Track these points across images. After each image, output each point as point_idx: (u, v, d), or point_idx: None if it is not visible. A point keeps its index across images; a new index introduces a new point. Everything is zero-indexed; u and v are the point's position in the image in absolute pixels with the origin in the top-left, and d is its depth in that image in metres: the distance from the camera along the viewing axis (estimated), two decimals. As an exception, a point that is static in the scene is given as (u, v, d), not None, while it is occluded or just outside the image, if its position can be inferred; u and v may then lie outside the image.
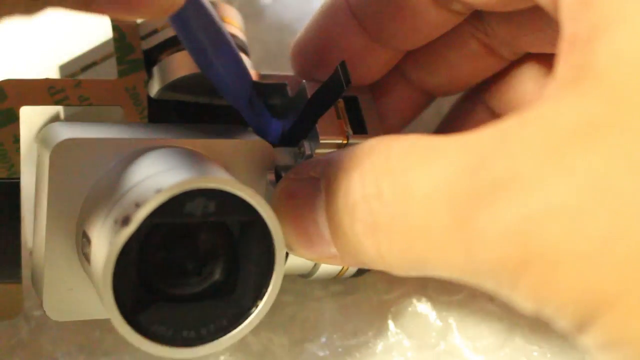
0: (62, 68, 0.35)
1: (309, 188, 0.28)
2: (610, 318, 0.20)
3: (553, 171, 0.21)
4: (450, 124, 0.38)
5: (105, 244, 0.26)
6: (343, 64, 0.30)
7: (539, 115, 0.22)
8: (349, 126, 0.33)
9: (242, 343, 0.35)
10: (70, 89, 0.32)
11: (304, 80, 0.33)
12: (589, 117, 0.21)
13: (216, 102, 0.34)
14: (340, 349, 0.35)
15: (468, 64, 0.35)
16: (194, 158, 0.29)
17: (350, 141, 0.33)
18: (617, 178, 0.20)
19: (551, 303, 0.21)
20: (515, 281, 0.22)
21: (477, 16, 0.34)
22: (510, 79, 0.35)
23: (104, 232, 0.27)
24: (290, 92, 0.34)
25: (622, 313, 0.20)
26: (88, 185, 0.29)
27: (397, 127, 0.37)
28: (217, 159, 0.30)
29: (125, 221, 0.26)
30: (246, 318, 0.28)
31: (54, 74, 0.35)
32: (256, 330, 0.35)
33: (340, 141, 0.32)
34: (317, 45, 0.35)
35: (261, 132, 0.32)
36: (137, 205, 0.26)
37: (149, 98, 0.33)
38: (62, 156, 0.28)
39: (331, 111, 0.33)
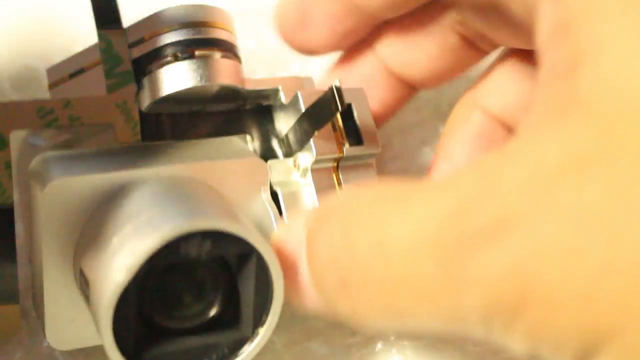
0: (50, 72, 0.34)
1: (295, 240, 0.28)
2: (610, 353, 0.20)
3: (542, 210, 0.20)
4: (451, 129, 0.36)
5: (102, 289, 0.26)
6: (338, 88, 0.30)
7: (522, 151, 0.21)
8: (345, 138, 0.32)
9: None
10: (59, 110, 0.31)
11: (298, 92, 0.32)
12: (575, 151, 0.20)
13: (209, 109, 0.33)
14: (339, 348, 0.35)
15: (447, 56, 0.35)
16: (188, 192, 0.29)
17: (346, 155, 0.32)
18: (609, 212, 0.20)
19: (550, 343, 0.21)
20: (509, 325, 0.21)
21: (454, 7, 0.33)
22: (502, 80, 0.34)
23: (100, 276, 0.27)
24: (284, 96, 0.33)
25: (621, 347, 0.20)
26: (82, 221, 0.29)
27: (379, 119, 0.36)
28: (210, 181, 0.30)
29: (121, 270, 0.26)
30: (247, 346, 0.29)
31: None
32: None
33: (336, 155, 0.32)
34: (297, 7, 0.34)
35: None
36: (132, 253, 0.26)
37: (140, 112, 0.32)
38: (55, 196, 0.28)
39: (328, 124, 0.32)
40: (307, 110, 0.32)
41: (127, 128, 0.32)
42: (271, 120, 0.34)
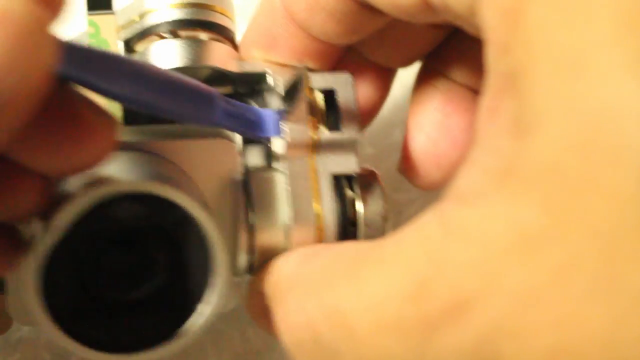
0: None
1: (263, 303, 0.28)
2: None
3: (493, 291, 0.21)
4: (418, 102, 0.35)
5: (32, 251, 0.26)
6: (305, 72, 0.29)
7: (468, 227, 0.21)
8: (323, 122, 0.30)
9: (243, 339, 0.35)
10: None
11: (274, 75, 0.31)
12: (519, 228, 0.20)
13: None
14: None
15: (418, 35, 0.33)
16: (141, 162, 0.28)
17: (323, 140, 0.30)
18: (554, 294, 0.20)
19: None
20: None
21: None
22: (457, 45, 0.33)
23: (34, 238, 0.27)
24: (271, 80, 0.32)
25: None
26: None
27: (375, 109, 0.35)
28: (178, 161, 0.30)
29: (46, 231, 0.25)
30: (190, 322, 0.27)
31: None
32: (255, 326, 0.34)
33: (310, 140, 0.30)
34: (263, 45, 0.33)
35: (258, 132, 0.30)
36: (58, 214, 0.25)
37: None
38: None
39: (303, 107, 0.30)
40: (284, 95, 0.30)
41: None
42: (263, 105, 0.33)
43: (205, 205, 0.27)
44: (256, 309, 0.29)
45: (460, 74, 0.33)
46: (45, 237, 0.25)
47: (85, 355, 0.27)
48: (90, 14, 0.32)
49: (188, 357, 0.36)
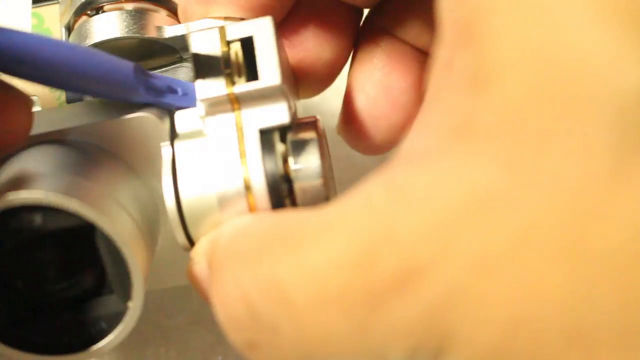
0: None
1: (202, 274, 0.27)
2: None
3: (447, 257, 0.19)
4: (359, 60, 0.33)
5: None
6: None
7: (418, 190, 0.20)
8: (241, 74, 0.27)
9: None
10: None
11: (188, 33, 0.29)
12: (475, 189, 0.19)
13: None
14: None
15: None
16: (45, 161, 0.27)
17: (239, 92, 0.27)
18: (512, 259, 0.19)
19: None
20: None
21: None
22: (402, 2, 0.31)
23: None
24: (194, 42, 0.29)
25: None
26: None
27: (346, 54, 0.32)
28: (104, 143, 0.28)
29: None
30: (123, 319, 0.27)
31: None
32: None
33: (225, 94, 0.27)
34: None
35: (184, 103, 0.29)
36: None
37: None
38: None
39: (217, 61, 0.27)
40: (192, 55, 0.28)
41: (52, 98, 0.31)
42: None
43: (109, 200, 0.26)
44: (195, 281, 0.27)
45: (404, 31, 0.32)
46: None
47: (20, 358, 0.27)
48: (34, 7, 0.32)
49: (194, 355, 0.35)
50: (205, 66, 0.27)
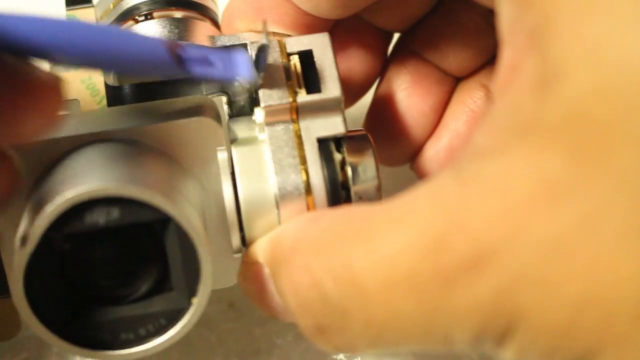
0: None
1: (259, 273, 0.28)
2: None
3: (516, 242, 0.20)
4: (390, 82, 0.35)
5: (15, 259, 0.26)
6: (264, 26, 0.28)
7: (487, 178, 0.21)
8: (302, 85, 0.29)
9: (249, 338, 0.35)
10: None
11: (248, 43, 0.30)
12: (544, 178, 0.20)
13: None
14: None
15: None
16: (114, 158, 0.28)
17: (301, 102, 0.29)
18: (581, 243, 0.20)
19: (539, 357, 0.21)
20: (499, 344, 0.21)
21: None
22: (435, 25, 0.33)
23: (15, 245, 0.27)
24: (252, 51, 0.31)
25: None
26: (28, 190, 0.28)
27: (374, 74, 0.34)
28: (160, 144, 0.29)
29: (24, 241, 0.26)
30: (184, 316, 0.28)
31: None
32: (262, 325, 0.35)
33: (288, 103, 0.29)
34: (248, 17, 0.32)
35: (229, 73, 0.28)
36: (33, 222, 0.26)
37: (106, 86, 0.31)
38: None
39: (280, 72, 0.29)
40: (254, 62, 0.29)
41: (93, 102, 0.31)
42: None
43: (181, 197, 0.27)
44: (250, 281, 0.28)
45: (431, 53, 0.33)
46: (21, 252, 0.26)
47: (88, 357, 0.27)
48: (68, 9, 0.32)
49: (196, 355, 0.36)
50: (269, 76, 0.29)
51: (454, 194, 0.21)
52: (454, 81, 0.34)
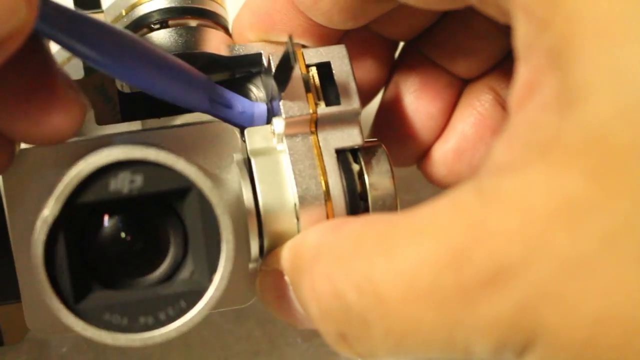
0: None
1: (279, 281, 0.28)
2: None
3: (537, 259, 0.20)
4: (398, 85, 0.35)
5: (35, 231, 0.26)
6: (291, 45, 0.28)
7: (508, 195, 0.21)
8: (321, 97, 0.30)
9: (249, 339, 0.35)
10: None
11: (269, 54, 0.30)
12: (564, 196, 0.20)
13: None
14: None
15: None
16: (134, 142, 0.28)
17: (321, 114, 0.29)
18: (602, 261, 0.20)
19: None
20: (519, 357, 0.22)
21: None
22: (444, 29, 0.34)
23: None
24: (266, 60, 0.31)
25: None
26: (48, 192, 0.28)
27: (380, 82, 0.35)
28: (177, 149, 0.28)
29: (46, 208, 0.26)
30: (204, 296, 0.27)
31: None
32: (262, 326, 0.35)
33: (309, 115, 0.29)
34: (260, 27, 0.32)
35: (246, 122, 0.30)
36: (54, 188, 0.26)
37: (120, 93, 0.31)
38: (16, 167, 0.28)
39: (299, 84, 0.30)
40: (274, 73, 0.30)
41: (106, 109, 0.31)
42: (260, 87, 0.32)
43: (206, 174, 0.27)
44: (269, 289, 0.29)
45: (441, 57, 0.34)
46: (47, 214, 0.25)
47: (104, 339, 0.27)
48: (78, 14, 0.32)
49: (195, 355, 0.36)
50: (290, 87, 0.29)
51: (475, 209, 0.22)
52: (462, 84, 0.35)
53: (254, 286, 0.30)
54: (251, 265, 0.30)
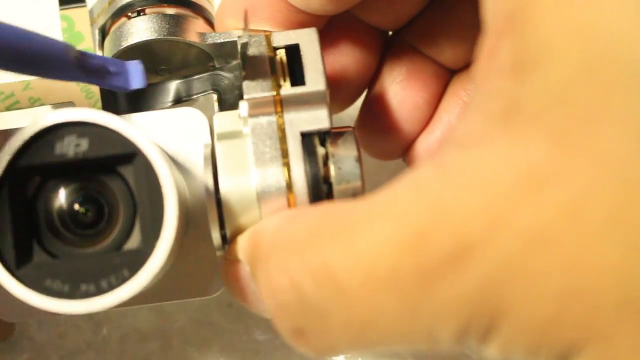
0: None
1: (241, 271, 0.27)
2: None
3: (498, 233, 0.20)
4: (384, 75, 0.34)
5: None
6: (245, 21, 0.27)
7: (469, 169, 0.20)
8: (286, 78, 0.29)
9: (249, 338, 0.35)
10: (19, 92, 0.31)
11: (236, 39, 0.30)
12: (526, 167, 0.19)
13: (178, 77, 0.32)
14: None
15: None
16: None
17: (285, 95, 0.28)
18: (563, 234, 0.19)
19: (523, 354, 0.21)
20: (483, 341, 0.21)
21: None
22: (430, 18, 0.33)
23: None
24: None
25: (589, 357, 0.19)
26: None
27: (369, 72, 0.34)
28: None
29: None
30: (145, 264, 0.26)
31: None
32: (262, 325, 0.35)
33: (271, 96, 0.28)
34: (240, 15, 0.31)
35: (121, 84, 0.29)
36: (4, 150, 0.26)
37: (101, 88, 0.31)
38: None
39: (265, 65, 0.29)
40: (240, 56, 0.29)
41: (88, 104, 0.31)
42: (239, 75, 0.31)
43: (152, 141, 0.26)
44: (233, 279, 0.28)
45: (428, 46, 0.33)
46: None
47: (44, 305, 0.26)
48: (62, 9, 0.32)
49: (195, 355, 0.35)
50: (253, 69, 0.28)
51: (435, 186, 0.21)
52: (449, 74, 0.33)
53: (221, 276, 0.29)
54: (218, 254, 0.29)
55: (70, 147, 0.26)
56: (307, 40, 0.29)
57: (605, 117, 0.19)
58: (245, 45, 0.28)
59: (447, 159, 0.21)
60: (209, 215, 0.28)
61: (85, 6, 0.32)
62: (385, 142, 0.33)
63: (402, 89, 0.33)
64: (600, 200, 0.19)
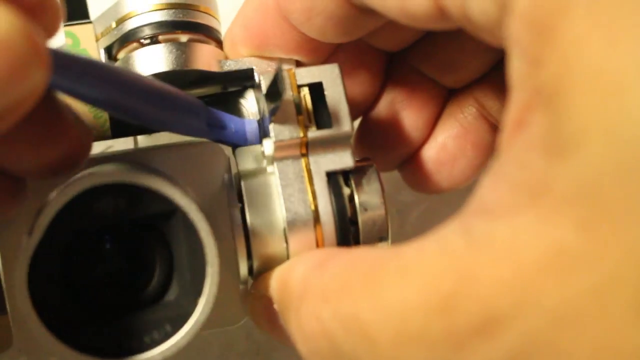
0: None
1: (269, 307, 0.28)
2: None
3: (527, 309, 0.20)
4: (385, 95, 0.35)
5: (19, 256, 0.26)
6: (280, 69, 0.28)
7: (498, 243, 0.21)
8: (312, 120, 0.29)
9: (249, 338, 0.35)
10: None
11: (257, 72, 0.30)
12: (554, 245, 0.20)
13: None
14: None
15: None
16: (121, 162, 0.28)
17: (312, 138, 0.29)
18: (591, 313, 0.19)
19: None
20: None
21: None
22: (434, 41, 0.33)
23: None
24: (258, 76, 0.31)
25: None
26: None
27: (374, 94, 0.34)
28: (167, 169, 0.28)
29: (30, 231, 0.25)
30: (189, 320, 0.27)
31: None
32: None
33: (299, 139, 0.29)
34: (253, 42, 0.32)
35: (240, 140, 0.30)
36: (38, 212, 0.25)
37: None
38: None
39: (291, 107, 0.29)
40: (265, 93, 0.29)
41: (96, 125, 0.31)
42: (250, 100, 0.32)
43: (191, 197, 0.26)
44: (260, 313, 0.29)
45: (430, 68, 0.33)
46: (30, 237, 0.25)
47: None
48: (66, 25, 0.31)
49: (195, 355, 0.36)
50: (279, 111, 0.29)
51: (463, 253, 0.21)
52: (447, 93, 0.34)
53: (244, 306, 0.30)
54: (241, 286, 0.30)
55: (109, 207, 0.26)
56: (331, 77, 0.30)
57: (630, 213, 0.19)
58: (275, 88, 0.28)
59: (474, 226, 0.22)
60: (237, 247, 0.29)
61: (90, 22, 0.31)
62: (382, 157, 0.34)
63: (402, 110, 0.34)
64: (625, 285, 0.19)
